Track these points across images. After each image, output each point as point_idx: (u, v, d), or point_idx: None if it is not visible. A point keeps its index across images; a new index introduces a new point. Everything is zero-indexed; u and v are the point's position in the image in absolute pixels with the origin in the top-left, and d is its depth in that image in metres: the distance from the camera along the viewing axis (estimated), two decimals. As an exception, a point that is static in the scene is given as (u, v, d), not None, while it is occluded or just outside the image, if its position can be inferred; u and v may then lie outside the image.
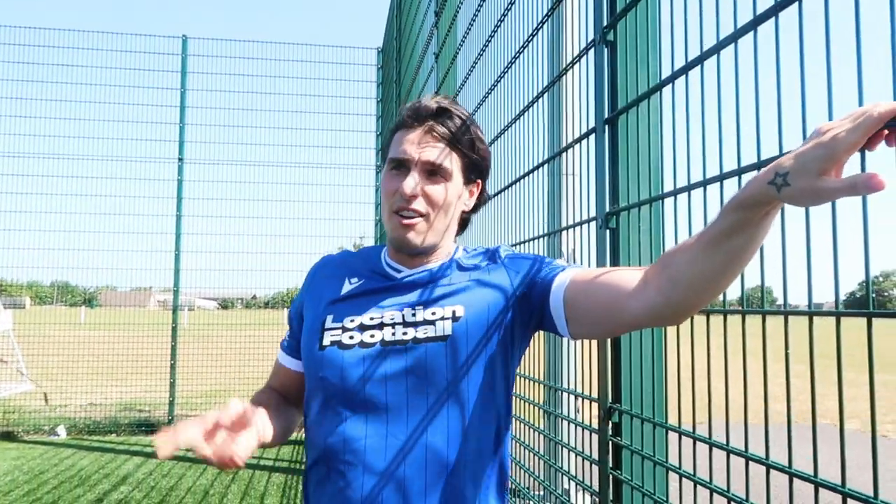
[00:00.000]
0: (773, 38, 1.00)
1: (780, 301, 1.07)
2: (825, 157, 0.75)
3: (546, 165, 2.09)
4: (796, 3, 0.96)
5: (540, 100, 2.12)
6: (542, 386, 2.17)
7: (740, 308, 1.16)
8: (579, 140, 1.72)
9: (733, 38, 1.10)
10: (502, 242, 2.44)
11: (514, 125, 2.36)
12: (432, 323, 1.27)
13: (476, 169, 1.37)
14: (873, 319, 0.92)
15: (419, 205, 1.28)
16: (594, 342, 1.59)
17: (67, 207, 7.77)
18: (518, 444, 2.38)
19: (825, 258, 1.01)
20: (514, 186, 2.39)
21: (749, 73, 1.07)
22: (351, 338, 1.28)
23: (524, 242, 2.26)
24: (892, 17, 0.81)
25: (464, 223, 1.45)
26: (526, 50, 2.23)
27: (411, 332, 1.26)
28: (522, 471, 2.31)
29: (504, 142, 2.53)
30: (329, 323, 1.32)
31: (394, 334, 1.27)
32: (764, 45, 1.04)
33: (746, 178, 1.06)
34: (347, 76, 8.25)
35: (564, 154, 1.93)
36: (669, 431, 1.36)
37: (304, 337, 1.36)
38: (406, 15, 5.93)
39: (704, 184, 1.18)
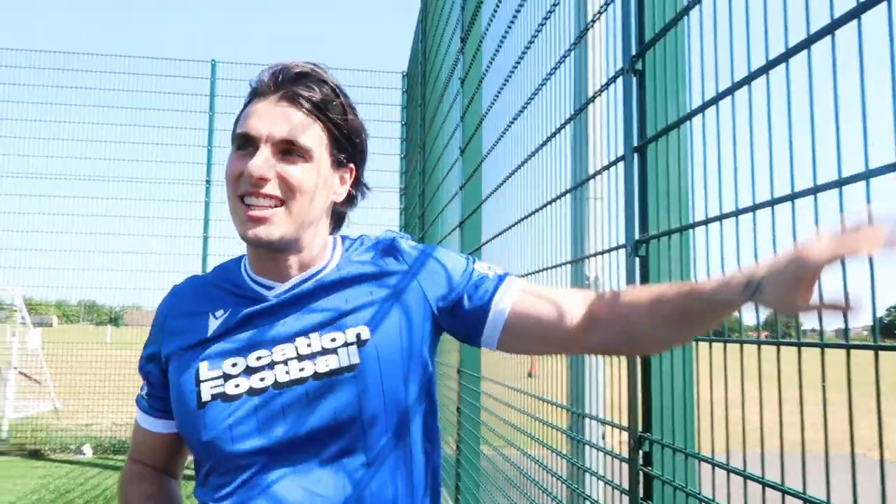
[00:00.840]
0: (806, 69, 1.01)
1: (811, 327, 1.06)
2: (797, 274, 0.75)
3: (570, 193, 2.10)
4: (829, 37, 0.97)
5: (565, 127, 2.13)
6: (564, 410, 2.16)
7: (774, 339, 1.15)
8: (608, 167, 1.73)
9: (764, 69, 1.10)
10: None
11: (538, 152, 2.38)
12: (333, 351, 1.04)
13: (347, 149, 1.14)
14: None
15: (272, 188, 1.03)
16: (623, 370, 1.58)
17: (95, 228, 7.92)
18: (540, 469, 2.36)
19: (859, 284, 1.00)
20: (536, 214, 2.39)
21: (782, 103, 1.08)
22: (236, 386, 1.03)
23: (547, 269, 2.27)
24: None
25: (338, 219, 1.24)
26: (552, 78, 2.25)
27: (309, 367, 1.03)
28: (546, 496, 2.29)
29: (528, 169, 2.54)
30: (205, 372, 1.06)
31: (288, 372, 1.03)
32: (797, 75, 1.05)
33: (779, 209, 1.06)
34: (373, 100, 8.35)
35: (590, 181, 1.94)
36: (702, 462, 1.35)
37: (175, 396, 1.10)
38: (431, 39, 6.00)
39: (737, 213, 1.18)
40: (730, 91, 1.21)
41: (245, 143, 1.07)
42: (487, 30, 3.38)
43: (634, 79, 1.59)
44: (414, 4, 7.33)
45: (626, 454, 1.56)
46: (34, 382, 8.15)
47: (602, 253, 1.81)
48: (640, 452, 1.49)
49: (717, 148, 1.25)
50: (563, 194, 2.14)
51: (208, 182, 8.07)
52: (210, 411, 1.03)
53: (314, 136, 1.07)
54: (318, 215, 1.11)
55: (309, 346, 1.05)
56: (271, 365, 1.04)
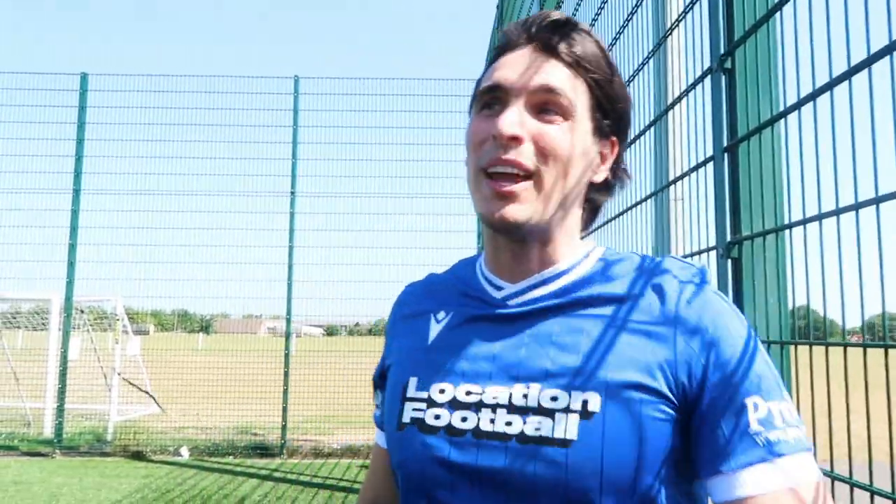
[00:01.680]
0: (911, 63, 0.97)
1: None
2: None
3: (655, 196, 2.07)
4: (937, 27, 0.93)
5: (648, 130, 2.11)
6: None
7: (860, 342, 1.11)
8: (696, 168, 1.70)
9: (866, 63, 1.07)
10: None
11: (628, 149, 2.35)
12: (549, 414, 0.79)
13: (612, 116, 0.90)
14: None
15: (524, 155, 0.82)
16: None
17: (186, 240, 8.30)
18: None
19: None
20: (620, 218, 2.37)
21: (885, 97, 1.04)
22: (437, 417, 0.85)
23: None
24: None
25: (593, 210, 0.98)
26: (634, 80, 2.23)
27: (517, 424, 0.80)
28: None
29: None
30: (411, 391, 0.90)
31: (492, 421, 0.81)
32: (900, 70, 1.01)
33: (886, 206, 1.03)
34: (453, 108, 8.44)
35: (676, 184, 1.91)
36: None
37: (387, 406, 0.96)
38: (507, 46, 6.01)
39: (837, 213, 1.14)
40: (827, 87, 1.17)
41: (492, 101, 0.87)
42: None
43: (724, 77, 1.56)
44: (490, 13, 7.38)
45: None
46: (136, 388, 8.62)
47: (691, 256, 1.77)
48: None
49: (815, 145, 1.22)
50: (649, 197, 2.11)
51: (293, 193, 8.33)
52: (407, 436, 0.87)
53: (578, 92, 0.86)
54: (574, 195, 0.88)
55: (525, 397, 0.81)
56: (479, 406, 0.83)
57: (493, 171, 0.84)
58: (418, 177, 8.41)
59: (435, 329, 0.95)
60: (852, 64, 1.11)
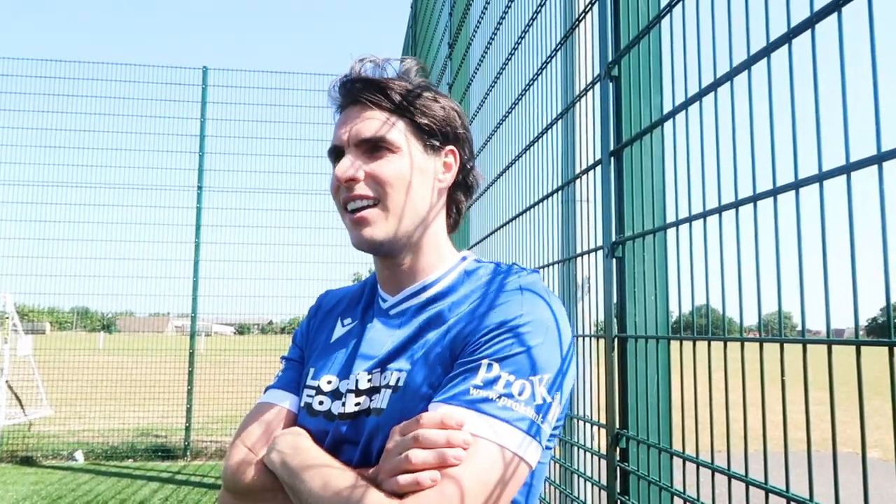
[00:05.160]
0: (786, 66, 1.04)
1: (800, 326, 1.06)
2: None
3: (559, 193, 2.13)
4: (785, 46, 1.00)
5: (553, 128, 2.17)
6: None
7: (758, 336, 1.18)
8: (587, 171, 1.77)
9: (746, 64, 1.14)
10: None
11: (526, 153, 2.41)
12: (378, 390, 1.00)
13: (437, 133, 1.08)
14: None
15: (364, 188, 1.02)
16: (602, 368, 1.61)
17: (87, 235, 7.93)
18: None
19: (846, 282, 1.02)
20: (527, 213, 2.42)
21: (762, 101, 1.11)
22: (321, 403, 1.05)
23: (539, 269, 2.29)
24: None
25: (456, 210, 1.16)
26: (539, 79, 2.28)
27: (365, 402, 1.00)
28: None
29: (517, 169, 2.57)
30: (308, 378, 1.11)
31: (344, 404, 1.02)
32: (777, 74, 1.08)
33: (761, 205, 1.10)
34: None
35: (577, 182, 1.97)
36: (676, 458, 1.38)
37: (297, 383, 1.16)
38: (421, 45, 6.04)
39: (704, 215, 1.21)
40: (703, 93, 1.24)
41: (337, 156, 1.07)
42: (474, 36, 3.42)
43: (611, 84, 1.62)
44: (404, 11, 7.38)
45: (604, 452, 1.59)
46: (15, 396, 8.13)
47: (582, 255, 1.84)
48: (617, 449, 1.52)
49: (701, 146, 1.27)
50: (549, 195, 2.17)
51: (200, 188, 8.08)
52: (299, 420, 1.08)
53: (397, 128, 1.04)
54: (424, 207, 1.06)
55: (370, 381, 1.01)
56: (345, 393, 1.03)
57: (350, 208, 1.04)
58: (329, 173, 8.29)
59: (338, 331, 1.15)
60: (720, 73, 1.18)
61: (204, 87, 8.22)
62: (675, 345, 1.41)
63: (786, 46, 1.03)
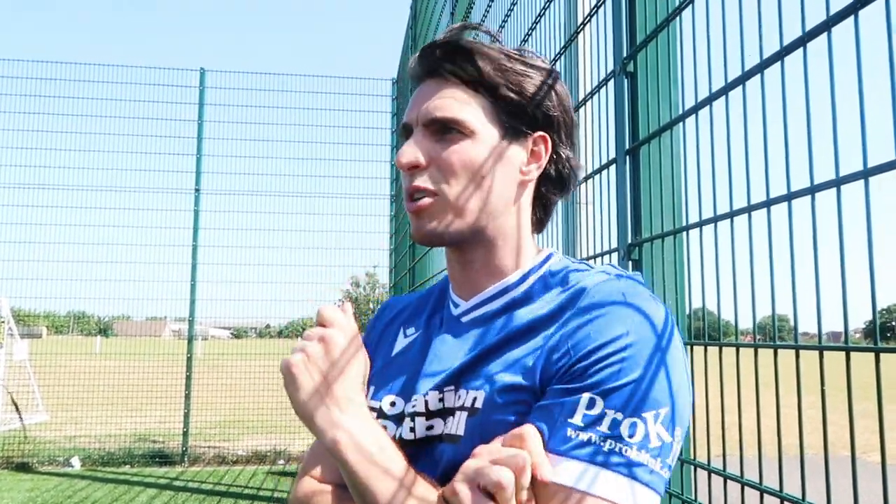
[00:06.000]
0: (801, 67, 0.99)
1: (804, 330, 1.04)
2: None
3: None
4: (825, 34, 0.95)
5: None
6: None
7: (752, 342, 1.13)
8: (600, 170, 1.71)
9: (760, 68, 1.09)
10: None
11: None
12: (451, 413, 0.85)
13: (525, 116, 0.93)
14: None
15: (426, 179, 0.90)
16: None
17: (84, 238, 7.84)
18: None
19: (854, 285, 0.98)
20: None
21: (777, 102, 1.06)
22: (384, 428, 0.88)
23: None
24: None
25: (543, 207, 1.00)
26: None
27: (438, 426, 0.86)
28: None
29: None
30: (368, 399, 0.95)
31: (413, 429, 0.88)
32: (792, 75, 1.03)
33: (776, 209, 1.05)
34: (362, 107, 8.32)
35: (581, 185, 1.92)
36: (698, 468, 1.33)
37: None
38: (421, 45, 5.99)
39: (732, 215, 1.16)
40: (723, 91, 1.19)
41: (406, 136, 0.95)
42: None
43: (626, 80, 1.57)
44: (403, 11, 7.35)
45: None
46: (13, 404, 8.06)
47: (595, 257, 1.78)
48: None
49: (711, 149, 1.24)
50: (569, 193, 2.11)
51: (198, 191, 8.01)
52: None
53: (473, 106, 0.90)
54: (499, 201, 0.92)
55: (441, 400, 0.87)
56: (409, 416, 0.89)
57: (413, 197, 0.91)
58: (328, 176, 8.26)
59: (400, 342, 1.01)
60: (746, 69, 1.13)
61: (201, 89, 8.15)
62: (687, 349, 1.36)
63: (800, 50, 0.98)
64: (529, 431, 0.75)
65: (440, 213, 0.90)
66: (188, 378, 7.77)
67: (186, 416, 7.69)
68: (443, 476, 0.81)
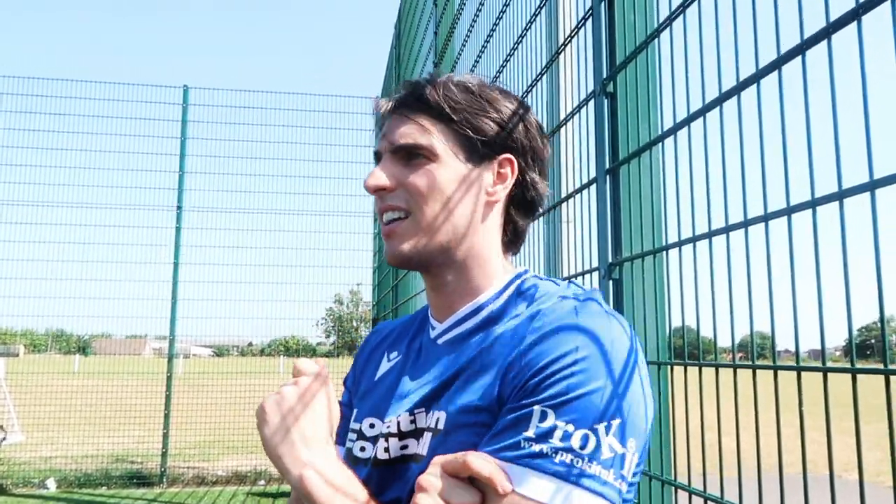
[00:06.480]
0: (776, 89, 1.00)
1: (784, 348, 1.05)
2: None
3: (544, 216, 2.09)
4: (799, 57, 0.97)
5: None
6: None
7: (731, 361, 1.13)
8: (580, 190, 1.72)
9: (736, 90, 1.10)
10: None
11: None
12: (421, 433, 0.90)
13: (490, 142, 0.96)
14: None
15: (397, 199, 0.95)
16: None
17: (63, 255, 7.75)
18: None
19: (834, 303, 0.99)
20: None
21: (753, 125, 1.07)
22: (362, 449, 0.97)
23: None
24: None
25: (514, 229, 1.03)
26: (525, 100, 2.24)
27: (412, 446, 0.90)
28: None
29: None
30: (351, 421, 1.03)
31: (387, 449, 0.92)
32: (767, 98, 1.04)
33: (753, 230, 1.05)
34: (346, 125, 8.33)
35: (563, 204, 1.93)
36: (679, 490, 1.32)
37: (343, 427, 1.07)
38: (405, 65, 6.02)
39: (710, 235, 1.17)
40: (701, 112, 1.20)
41: (377, 163, 1.00)
42: (460, 55, 3.39)
43: (606, 101, 1.58)
44: (387, 31, 7.39)
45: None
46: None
47: (576, 276, 1.79)
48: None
49: (690, 169, 1.24)
50: (536, 218, 2.12)
51: (179, 208, 7.96)
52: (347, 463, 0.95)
53: (436, 134, 0.95)
54: (465, 221, 0.95)
55: (412, 422, 0.91)
56: (384, 437, 0.93)
57: (384, 219, 0.97)
58: (312, 193, 8.24)
59: (384, 367, 1.06)
60: (723, 90, 1.14)
61: (184, 106, 8.13)
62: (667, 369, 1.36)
63: (775, 73, 0.99)
64: (471, 457, 0.77)
65: (411, 235, 0.94)
66: (168, 397, 7.67)
67: (165, 436, 7.58)
68: (409, 494, 0.82)
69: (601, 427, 0.76)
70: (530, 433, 0.76)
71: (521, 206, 1.02)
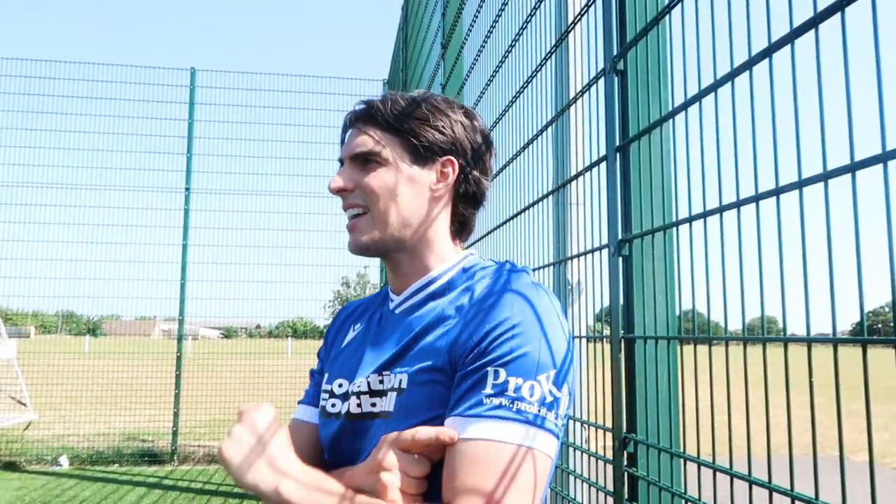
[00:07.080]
0: (790, 64, 1.00)
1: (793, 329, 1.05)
2: None
3: (553, 195, 2.09)
4: (812, 31, 0.97)
5: (546, 129, 2.13)
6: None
7: (741, 336, 1.14)
8: (590, 167, 1.72)
9: (748, 65, 1.10)
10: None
11: (520, 156, 2.37)
12: (386, 393, 1.05)
13: (431, 147, 1.14)
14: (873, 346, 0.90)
15: (355, 197, 1.13)
16: (607, 371, 1.57)
17: (73, 237, 7.81)
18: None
19: (844, 281, 1.00)
20: (520, 216, 2.38)
21: (765, 99, 1.07)
22: (333, 406, 1.13)
23: (535, 270, 2.25)
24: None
25: (461, 219, 1.20)
26: (533, 81, 2.24)
27: (379, 403, 1.06)
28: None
29: (510, 172, 2.53)
30: (324, 383, 1.20)
31: (359, 405, 1.08)
32: (781, 71, 1.04)
33: (764, 204, 1.06)
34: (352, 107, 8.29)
35: (571, 184, 1.93)
36: (687, 462, 1.34)
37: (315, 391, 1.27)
38: (412, 46, 6.00)
39: (721, 210, 1.17)
40: (712, 88, 1.20)
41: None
42: (468, 36, 3.38)
43: (616, 78, 1.58)
44: (395, 12, 7.35)
45: (610, 457, 1.55)
46: (15, 402, 8.00)
47: (585, 254, 1.80)
48: (625, 453, 1.48)
49: (700, 145, 1.25)
50: (545, 196, 2.13)
51: (188, 189, 7.99)
52: (319, 421, 1.18)
53: (385, 143, 1.13)
54: (413, 214, 1.13)
55: (381, 382, 1.07)
56: (355, 395, 1.09)
57: (348, 215, 1.16)
58: (319, 175, 8.25)
59: (349, 336, 1.24)
60: (735, 66, 1.14)
61: (192, 88, 8.13)
62: (677, 345, 1.37)
63: (788, 47, 0.99)
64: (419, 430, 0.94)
65: (369, 228, 1.12)
66: (178, 377, 7.75)
67: (176, 415, 7.66)
68: (375, 444, 0.99)
69: (542, 378, 0.95)
70: (489, 390, 0.93)
71: (466, 199, 1.19)
